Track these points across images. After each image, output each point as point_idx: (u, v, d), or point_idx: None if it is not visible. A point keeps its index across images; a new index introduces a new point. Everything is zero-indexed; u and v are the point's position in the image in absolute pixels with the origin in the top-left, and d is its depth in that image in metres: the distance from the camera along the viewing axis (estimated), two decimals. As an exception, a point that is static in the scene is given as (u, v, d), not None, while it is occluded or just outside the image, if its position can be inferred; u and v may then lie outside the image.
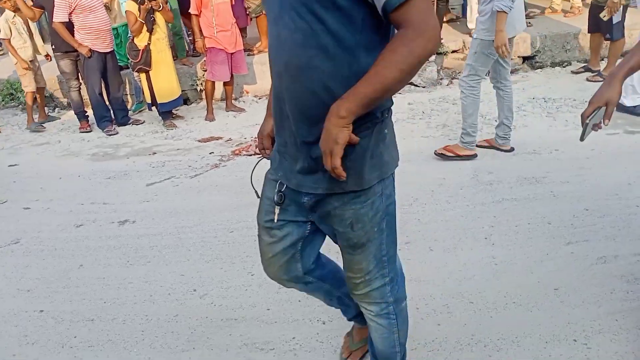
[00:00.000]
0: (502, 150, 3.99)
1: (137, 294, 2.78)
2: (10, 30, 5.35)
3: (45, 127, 5.70)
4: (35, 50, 5.64)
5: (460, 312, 2.42)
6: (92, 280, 2.95)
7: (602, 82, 1.90)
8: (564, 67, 6.11)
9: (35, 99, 5.73)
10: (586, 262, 2.68)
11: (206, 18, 5.19)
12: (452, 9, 7.39)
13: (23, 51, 5.45)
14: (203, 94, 6.17)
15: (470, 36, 4.67)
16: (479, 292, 2.53)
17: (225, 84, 5.65)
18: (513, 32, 3.65)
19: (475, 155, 3.90)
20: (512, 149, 3.97)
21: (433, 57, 6.16)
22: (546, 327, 2.28)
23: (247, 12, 6.30)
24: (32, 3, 5.45)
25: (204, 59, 6.31)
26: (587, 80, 5.49)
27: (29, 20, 5.50)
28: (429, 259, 2.83)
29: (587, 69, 5.75)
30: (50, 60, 5.75)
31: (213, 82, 5.50)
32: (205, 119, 5.51)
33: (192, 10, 5.23)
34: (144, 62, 5.11)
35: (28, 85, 5.59)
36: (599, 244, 2.81)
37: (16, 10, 5.35)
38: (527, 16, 6.12)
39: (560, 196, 3.33)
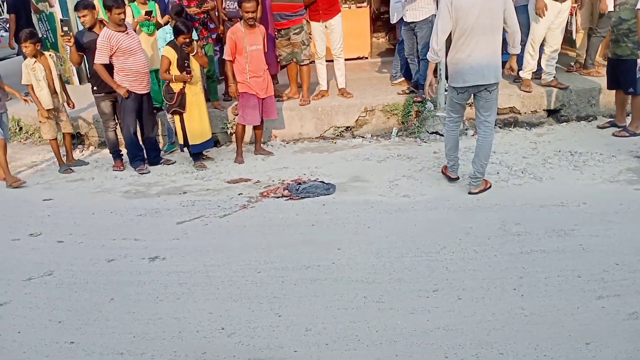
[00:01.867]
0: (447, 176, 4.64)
1: (166, 329, 2.82)
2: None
3: (73, 170, 5.75)
4: (56, 96, 5.57)
5: (489, 363, 2.40)
6: (122, 314, 3.00)
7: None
8: (590, 121, 6.14)
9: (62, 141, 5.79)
10: (618, 317, 2.65)
11: (239, 64, 5.39)
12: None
13: (40, 99, 5.46)
14: (233, 136, 6.33)
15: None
16: (509, 343, 2.52)
17: (255, 128, 5.80)
18: (462, 82, 4.22)
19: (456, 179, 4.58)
20: (457, 178, 4.60)
21: (459, 108, 6.25)
22: (578, 381, 2.25)
23: (278, 60, 6.52)
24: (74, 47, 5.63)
25: (235, 103, 6.52)
26: (613, 135, 5.50)
27: (53, 67, 5.55)
28: (458, 308, 2.83)
29: (612, 124, 5.77)
30: (73, 107, 5.86)
31: (244, 126, 5.66)
32: (235, 162, 5.64)
33: (227, 56, 5.44)
34: (179, 104, 5.30)
35: (47, 132, 5.62)
36: (630, 299, 2.78)
37: (36, 55, 5.42)
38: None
39: (589, 249, 3.32)
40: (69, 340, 2.80)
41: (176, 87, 5.27)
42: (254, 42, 5.38)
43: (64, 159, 5.86)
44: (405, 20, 6.12)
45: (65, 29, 5.20)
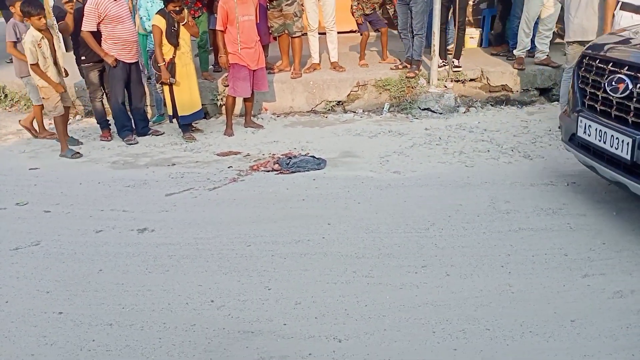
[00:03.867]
0: None
1: (156, 301, 2.82)
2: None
3: (82, 155, 5.20)
4: (60, 72, 5.18)
5: (476, 338, 2.43)
6: (111, 285, 2.99)
7: None
8: (581, 101, 6.16)
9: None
10: (603, 296, 2.69)
11: (231, 34, 5.29)
12: (471, 37, 7.49)
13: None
14: (223, 108, 6.26)
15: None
16: (496, 319, 2.55)
17: (245, 100, 5.73)
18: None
19: None
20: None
21: (451, 85, 6.23)
22: (562, 358, 2.30)
23: (270, 31, 6.42)
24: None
25: (226, 74, 6.43)
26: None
27: (59, 37, 5.29)
28: (446, 284, 2.85)
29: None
30: (67, 75, 5.42)
31: (234, 98, 5.59)
32: (224, 134, 5.59)
33: (218, 26, 5.34)
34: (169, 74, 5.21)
35: (54, 109, 5.09)
36: (615, 277, 2.83)
37: (42, 30, 4.90)
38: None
39: (577, 228, 3.35)
40: (57, 310, 2.79)
41: (166, 56, 5.17)
42: (246, 12, 5.28)
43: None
44: None
45: None
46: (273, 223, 3.61)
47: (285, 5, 6.14)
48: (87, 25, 5.13)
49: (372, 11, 6.66)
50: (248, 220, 3.66)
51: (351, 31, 8.51)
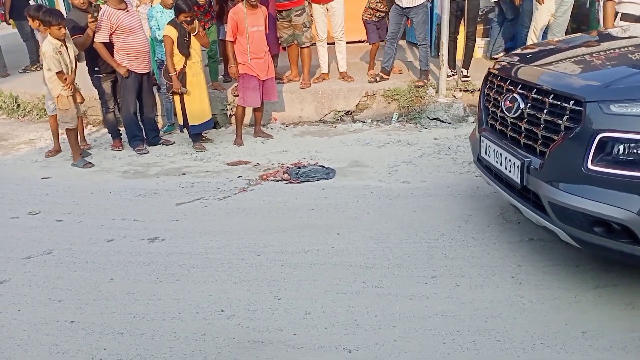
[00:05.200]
0: None
1: (166, 310, 2.83)
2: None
3: (93, 164, 5.24)
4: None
5: (487, 350, 2.42)
6: (122, 294, 3.01)
7: None
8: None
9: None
10: (614, 307, 2.67)
11: (241, 45, 5.34)
12: (479, 47, 7.50)
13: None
14: (232, 118, 6.31)
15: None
16: (506, 330, 2.54)
17: (255, 110, 5.77)
18: None
19: None
20: None
21: (460, 94, 6.24)
22: (574, 369, 2.28)
23: (279, 41, 6.47)
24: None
25: (236, 84, 6.48)
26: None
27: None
28: (456, 294, 2.84)
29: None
30: (83, 102, 5.38)
31: (244, 108, 5.63)
32: (234, 144, 5.62)
33: (228, 37, 5.39)
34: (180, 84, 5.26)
35: (70, 122, 5.11)
36: (627, 289, 2.80)
37: (61, 40, 4.93)
38: None
39: (587, 239, 3.33)
40: (69, 319, 2.81)
41: (177, 66, 5.23)
42: (256, 23, 5.33)
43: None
44: (402, 5, 6.06)
45: (96, 14, 5.05)
46: (282, 232, 3.62)
47: (295, 15, 6.19)
48: (100, 37, 5.19)
49: (381, 18, 6.65)
50: (257, 230, 3.67)
51: (360, 41, 8.56)
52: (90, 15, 5.00)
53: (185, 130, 5.57)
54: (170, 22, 5.20)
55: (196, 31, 5.24)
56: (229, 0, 6.16)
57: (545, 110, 2.62)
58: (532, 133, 2.71)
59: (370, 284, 2.97)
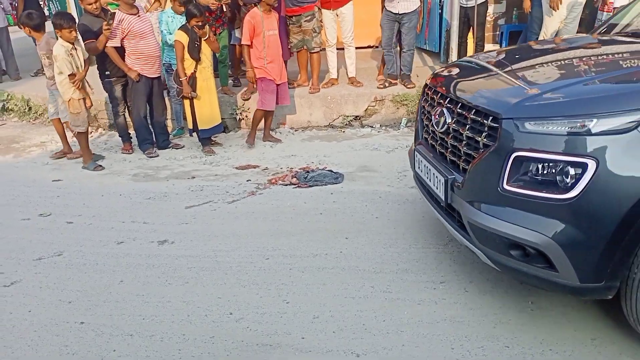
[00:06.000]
0: None
1: (175, 313, 2.85)
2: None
3: (104, 167, 5.29)
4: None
5: (496, 356, 2.42)
6: (132, 296, 3.03)
7: None
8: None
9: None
10: (623, 314, 2.66)
11: (257, 49, 5.37)
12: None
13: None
14: (242, 122, 6.35)
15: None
16: (515, 336, 2.53)
17: (266, 113, 5.79)
18: None
19: None
20: None
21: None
22: (584, 376, 2.27)
23: (289, 47, 6.50)
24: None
25: (245, 88, 6.52)
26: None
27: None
28: (464, 300, 2.84)
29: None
30: (91, 106, 5.43)
31: (263, 111, 5.63)
32: (246, 142, 5.66)
33: (245, 40, 5.41)
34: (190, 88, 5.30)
35: (82, 125, 5.17)
36: (637, 296, 2.79)
37: (72, 43, 5.03)
38: None
39: (597, 246, 3.32)
40: (79, 320, 2.84)
41: (187, 71, 5.27)
42: (272, 27, 5.39)
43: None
44: (395, 11, 6.10)
45: (111, 21, 5.11)
46: (291, 236, 3.63)
47: (305, 21, 6.22)
48: (111, 41, 5.24)
49: None
50: (266, 234, 3.69)
51: (369, 46, 8.59)
52: (105, 23, 5.04)
53: (195, 134, 5.61)
54: (182, 27, 5.24)
55: (207, 36, 5.28)
56: (242, 5, 6.20)
57: (467, 126, 2.53)
58: (457, 149, 2.62)
59: (379, 289, 2.97)
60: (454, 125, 2.65)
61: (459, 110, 2.63)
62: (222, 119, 5.78)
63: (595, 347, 2.44)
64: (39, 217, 4.19)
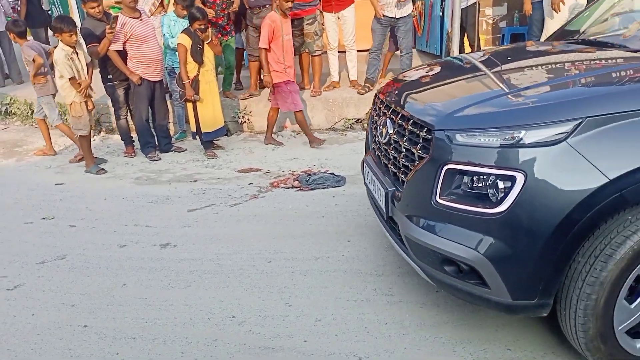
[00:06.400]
0: None
1: (178, 316, 2.86)
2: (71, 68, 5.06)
3: (106, 171, 5.29)
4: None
5: (497, 359, 2.42)
6: (135, 299, 3.04)
7: None
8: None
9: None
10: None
11: (275, 54, 5.37)
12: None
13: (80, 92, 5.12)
14: (244, 126, 6.37)
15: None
16: (517, 339, 2.53)
17: (270, 116, 5.78)
18: None
19: None
20: None
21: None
22: (586, 379, 2.27)
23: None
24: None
25: (246, 92, 6.54)
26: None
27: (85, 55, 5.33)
28: (466, 302, 2.84)
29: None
30: (93, 108, 5.52)
31: (301, 112, 5.61)
32: (266, 143, 5.81)
33: (263, 44, 5.34)
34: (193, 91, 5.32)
35: (84, 128, 5.17)
36: (639, 299, 2.79)
37: (72, 47, 5.05)
38: None
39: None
40: (82, 323, 2.85)
41: (190, 74, 5.29)
42: (288, 31, 5.42)
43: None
44: (392, 15, 6.13)
45: (114, 25, 5.13)
46: (293, 239, 3.64)
47: (306, 24, 6.24)
48: (114, 45, 5.26)
49: None
50: (268, 237, 3.69)
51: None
52: (108, 27, 5.07)
53: (197, 137, 5.62)
54: (185, 31, 5.26)
55: (210, 39, 5.30)
56: (247, 9, 6.18)
57: (405, 138, 2.47)
58: (397, 161, 2.55)
59: (381, 292, 2.98)
60: (394, 136, 2.58)
61: (399, 120, 2.57)
62: (224, 122, 5.80)
63: (597, 350, 2.44)
64: (41, 220, 4.21)
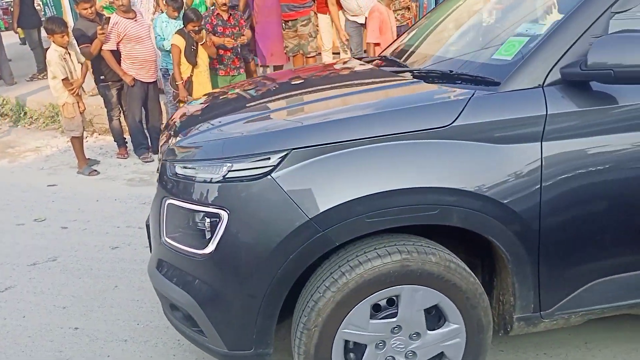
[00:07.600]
0: None
1: (170, 318, 2.84)
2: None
3: (99, 172, 5.27)
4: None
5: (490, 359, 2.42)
6: (127, 301, 3.03)
7: None
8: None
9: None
10: (617, 318, 2.66)
11: None
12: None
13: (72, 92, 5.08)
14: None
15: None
16: (510, 340, 2.54)
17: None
18: None
19: None
20: None
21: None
22: (577, 380, 2.28)
23: (285, 51, 6.51)
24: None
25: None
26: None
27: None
28: (459, 304, 2.84)
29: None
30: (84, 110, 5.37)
31: None
32: None
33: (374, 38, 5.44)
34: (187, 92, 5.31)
35: (76, 129, 5.15)
36: (631, 300, 2.80)
37: (64, 48, 5.03)
38: None
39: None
40: (73, 325, 2.83)
41: (183, 75, 5.28)
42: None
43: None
44: (360, 22, 6.17)
45: (106, 26, 5.12)
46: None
47: (301, 25, 6.24)
48: (108, 44, 5.24)
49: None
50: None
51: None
52: (99, 27, 5.05)
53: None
54: (178, 32, 5.25)
55: (203, 40, 5.29)
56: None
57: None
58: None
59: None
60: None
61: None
62: (217, 123, 5.77)
63: (589, 351, 2.45)
64: (33, 222, 4.18)
